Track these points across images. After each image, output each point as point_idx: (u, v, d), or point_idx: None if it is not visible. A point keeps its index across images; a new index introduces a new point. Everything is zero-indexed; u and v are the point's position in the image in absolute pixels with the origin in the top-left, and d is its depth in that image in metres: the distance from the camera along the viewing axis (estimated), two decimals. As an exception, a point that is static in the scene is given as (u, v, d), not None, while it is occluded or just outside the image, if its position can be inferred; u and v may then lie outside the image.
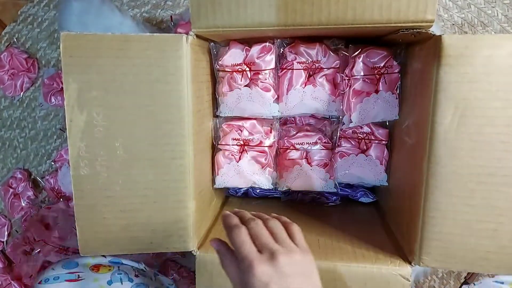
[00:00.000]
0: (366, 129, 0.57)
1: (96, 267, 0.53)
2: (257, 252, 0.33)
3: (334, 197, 0.66)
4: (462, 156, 0.40)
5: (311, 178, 0.58)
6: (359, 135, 0.57)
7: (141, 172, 0.45)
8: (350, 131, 0.57)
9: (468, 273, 0.72)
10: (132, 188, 0.46)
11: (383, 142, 0.57)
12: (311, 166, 0.57)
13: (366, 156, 0.57)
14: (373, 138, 0.57)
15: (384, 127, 0.57)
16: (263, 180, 0.58)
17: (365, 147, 0.57)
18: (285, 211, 0.61)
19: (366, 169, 0.57)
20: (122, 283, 0.53)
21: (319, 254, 0.48)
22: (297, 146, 0.58)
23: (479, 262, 0.42)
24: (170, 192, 0.46)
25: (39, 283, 0.51)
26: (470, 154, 0.40)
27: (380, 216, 0.62)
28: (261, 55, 0.52)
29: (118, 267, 0.56)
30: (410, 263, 0.46)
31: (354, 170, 0.57)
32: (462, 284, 0.71)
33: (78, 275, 0.53)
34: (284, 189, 0.59)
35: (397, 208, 0.53)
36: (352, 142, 0.58)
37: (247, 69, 0.53)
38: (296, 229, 0.37)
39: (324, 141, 0.57)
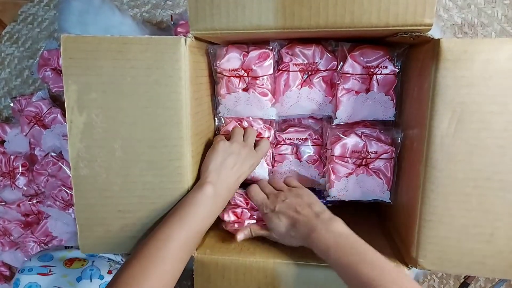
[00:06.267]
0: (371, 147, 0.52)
1: (70, 261, 0.54)
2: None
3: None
4: (459, 160, 0.40)
5: (300, 173, 0.58)
6: (361, 154, 0.52)
7: (139, 173, 0.46)
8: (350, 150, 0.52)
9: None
10: (131, 188, 0.46)
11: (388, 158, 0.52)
12: (300, 161, 0.58)
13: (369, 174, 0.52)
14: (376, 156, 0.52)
15: (388, 142, 0.53)
16: (262, 172, 0.58)
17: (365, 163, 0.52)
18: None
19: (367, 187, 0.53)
20: (91, 281, 0.54)
21: (317, 255, 0.48)
22: (288, 141, 0.58)
23: (475, 266, 0.43)
24: (168, 193, 0.46)
25: (18, 271, 0.54)
26: (467, 158, 0.40)
27: (379, 218, 0.63)
28: (258, 61, 0.52)
29: (93, 262, 0.57)
30: (407, 265, 0.46)
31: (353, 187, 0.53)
32: (461, 284, 0.72)
33: (50, 269, 0.55)
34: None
35: (395, 211, 0.54)
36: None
37: (245, 74, 0.53)
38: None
39: (314, 137, 0.57)
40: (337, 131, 0.53)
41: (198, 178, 0.49)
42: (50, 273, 0.54)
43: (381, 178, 0.52)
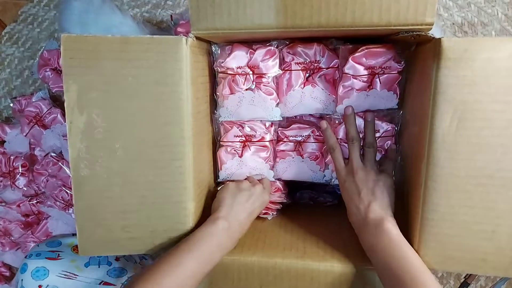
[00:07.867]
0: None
1: (77, 247, 0.54)
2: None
3: (332, 197, 0.66)
4: (461, 158, 0.40)
5: (301, 169, 0.58)
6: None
7: (140, 173, 0.46)
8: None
9: (468, 273, 0.72)
10: (132, 189, 0.46)
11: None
12: (302, 158, 0.58)
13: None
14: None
15: (388, 120, 0.55)
16: (266, 174, 0.58)
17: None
18: (284, 211, 0.62)
19: None
20: (99, 266, 0.53)
21: (318, 254, 0.48)
22: (291, 138, 0.58)
23: (477, 263, 0.43)
24: (169, 193, 0.46)
25: (25, 257, 0.54)
26: (468, 156, 0.40)
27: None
28: (265, 58, 0.52)
29: None
30: (408, 264, 0.46)
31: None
32: (461, 284, 0.72)
33: (58, 254, 0.55)
34: (273, 179, 0.60)
35: (396, 209, 0.54)
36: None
37: (250, 72, 0.53)
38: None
39: (317, 134, 0.58)
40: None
41: (199, 179, 0.49)
42: (58, 258, 0.54)
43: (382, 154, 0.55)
